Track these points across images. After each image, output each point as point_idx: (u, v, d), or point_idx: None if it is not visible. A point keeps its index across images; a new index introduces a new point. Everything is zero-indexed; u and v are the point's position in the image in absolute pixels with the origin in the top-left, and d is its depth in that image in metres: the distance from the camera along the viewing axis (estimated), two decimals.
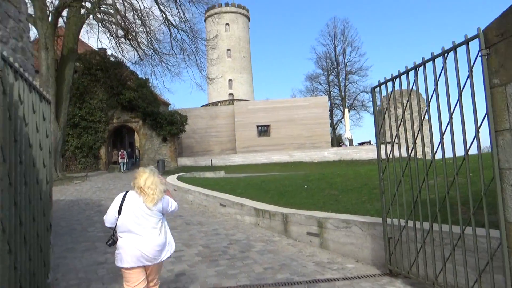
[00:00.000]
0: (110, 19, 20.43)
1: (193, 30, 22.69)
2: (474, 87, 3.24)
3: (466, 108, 3.40)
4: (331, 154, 32.36)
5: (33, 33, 19.93)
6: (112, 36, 21.30)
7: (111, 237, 3.32)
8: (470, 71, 3.25)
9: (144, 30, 21.02)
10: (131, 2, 20.52)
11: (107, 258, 6.02)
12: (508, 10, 2.88)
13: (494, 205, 4.18)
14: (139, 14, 20.47)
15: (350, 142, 40.62)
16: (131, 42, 21.26)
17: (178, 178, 16.63)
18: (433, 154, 3.74)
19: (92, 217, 9.97)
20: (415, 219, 4.08)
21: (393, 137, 4.51)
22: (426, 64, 3.85)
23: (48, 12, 19.15)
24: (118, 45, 22.18)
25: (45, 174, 4.03)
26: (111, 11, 19.49)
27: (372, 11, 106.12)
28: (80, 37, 21.64)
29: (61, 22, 21.24)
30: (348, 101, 49.65)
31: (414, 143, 4.08)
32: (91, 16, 20.17)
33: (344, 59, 50.65)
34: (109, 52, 28.40)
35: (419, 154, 4.33)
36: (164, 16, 21.64)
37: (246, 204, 8.80)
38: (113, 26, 20.33)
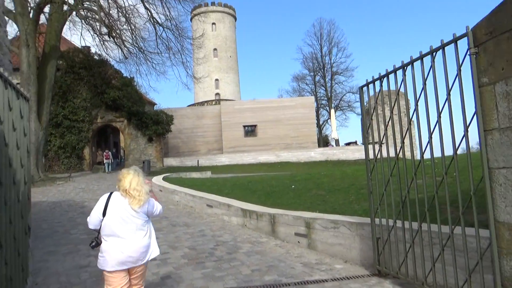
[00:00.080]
0: (93, 16, 20.03)
1: (179, 28, 22.45)
2: (462, 86, 3.22)
3: (455, 107, 3.39)
4: (317, 154, 32.49)
5: (13, 29, 19.45)
6: (95, 33, 20.90)
7: (95, 239, 3.24)
8: (459, 70, 3.24)
9: (129, 27, 20.69)
10: None
11: (90, 261, 5.84)
12: (497, 8, 2.86)
13: (483, 205, 4.21)
14: (124, 11, 20.13)
15: (337, 142, 40.91)
16: (115, 39, 20.89)
17: (164, 179, 16.42)
18: (422, 153, 3.72)
19: (75, 218, 9.73)
20: (404, 219, 4.05)
21: (381, 137, 4.48)
22: (414, 63, 3.82)
23: (29, 7, 18.66)
24: (102, 43, 21.77)
25: (23, 175, 3.87)
26: (95, 8, 19.10)
27: (358, 12, 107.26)
28: (62, 34, 21.16)
29: (43, 18, 20.76)
30: (334, 102, 49.99)
31: (402, 142, 4.05)
32: (74, 12, 19.73)
33: (330, 60, 51.04)
34: (93, 50, 27.92)
35: (407, 154, 4.32)
36: (149, 13, 21.35)
37: (233, 205, 8.70)
38: (97, 23, 19.94)
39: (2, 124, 3.10)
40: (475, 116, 3.08)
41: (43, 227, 8.87)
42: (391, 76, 4.22)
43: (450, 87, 3.32)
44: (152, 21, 21.45)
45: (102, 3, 19.57)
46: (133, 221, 3.19)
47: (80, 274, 5.34)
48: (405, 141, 4.06)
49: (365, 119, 4.99)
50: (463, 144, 3.36)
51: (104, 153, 27.03)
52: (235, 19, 59.48)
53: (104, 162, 26.23)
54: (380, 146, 4.44)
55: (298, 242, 6.33)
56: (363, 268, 4.95)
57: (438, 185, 3.45)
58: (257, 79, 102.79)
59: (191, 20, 51.62)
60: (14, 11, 17.67)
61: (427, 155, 3.80)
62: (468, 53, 3.12)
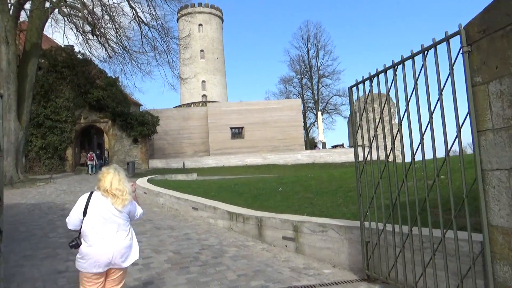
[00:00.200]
0: (76, 14, 19.57)
1: (165, 28, 22.14)
2: (455, 85, 3.14)
3: (447, 107, 3.30)
4: (304, 157, 32.52)
5: None
6: (79, 31, 20.43)
7: (75, 239, 3.09)
8: (451, 69, 3.16)
9: (113, 26, 20.28)
10: None
11: (68, 266, 5.59)
12: (490, 5, 2.79)
13: (476, 208, 4.14)
14: (108, 9, 19.72)
15: (323, 145, 41.04)
16: (99, 38, 20.46)
17: (148, 181, 16.11)
18: (413, 155, 3.63)
19: (54, 221, 9.40)
20: (394, 222, 3.96)
21: (371, 138, 4.39)
22: (406, 63, 3.74)
23: (9, 4, 18.11)
24: (85, 41, 21.31)
25: None
26: (78, 5, 18.66)
27: (344, 15, 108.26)
28: (44, 32, 20.62)
29: (24, 15, 20.19)
30: (321, 105, 50.21)
31: (393, 144, 3.96)
32: (56, 10, 19.24)
33: (317, 63, 51.27)
34: (76, 49, 27.33)
35: (397, 156, 4.23)
36: (134, 12, 20.99)
37: (219, 207, 8.52)
38: (80, 21, 19.48)
39: None
40: (468, 117, 3.00)
41: (20, 230, 8.52)
42: (382, 76, 4.13)
43: (442, 86, 3.24)
44: (137, 20, 21.11)
45: (85, 1, 19.16)
46: (115, 221, 3.09)
47: (57, 280, 5.10)
48: (395, 142, 3.97)
49: (354, 120, 4.90)
50: (455, 146, 3.29)
51: (88, 154, 26.48)
52: (222, 20, 59.30)
53: (88, 163, 25.69)
54: (370, 147, 4.35)
55: (286, 246, 6.20)
56: (352, 272, 4.85)
57: (430, 187, 3.36)
58: (244, 81, 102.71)
59: (177, 20, 51.24)
60: None
61: (418, 157, 3.71)
62: (461, 51, 3.05)
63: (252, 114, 35.17)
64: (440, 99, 3.26)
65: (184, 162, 29.68)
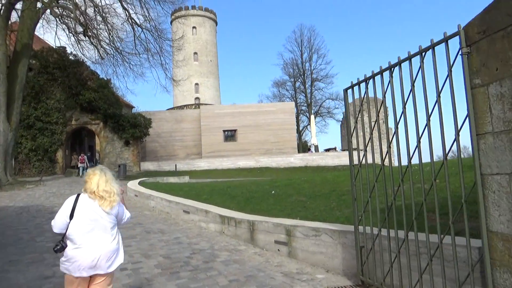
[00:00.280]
0: (68, 15, 19.32)
1: (158, 29, 21.96)
2: (453, 88, 3.07)
3: (445, 110, 3.23)
4: (297, 160, 32.47)
5: None
6: (71, 32, 20.17)
7: (60, 242, 2.98)
8: (450, 70, 3.08)
9: (106, 27, 20.07)
10: None
11: (55, 271, 5.42)
12: (490, 5, 2.73)
13: (474, 213, 4.07)
14: (100, 10, 19.49)
15: (316, 148, 41.07)
16: (91, 39, 20.22)
17: (140, 184, 15.91)
18: (409, 158, 3.55)
19: (42, 225, 9.18)
20: (389, 227, 3.87)
21: (367, 141, 4.30)
22: (402, 64, 3.67)
23: None
24: (77, 42, 21.04)
25: None
26: (70, 6, 18.42)
27: (338, 19, 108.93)
28: (36, 32, 20.34)
29: (15, 16, 19.89)
30: (314, 108, 50.30)
31: (389, 147, 3.88)
32: (48, 10, 18.99)
33: (311, 66, 51.42)
34: (68, 50, 27.05)
35: (390, 159, 4.14)
36: (127, 14, 20.79)
37: (211, 211, 8.38)
38: (72, 21, 19.23)
39: None
40: (467, 120, 2.92)
41: (7, 233, 8.31)
42: (378, 79, 4.05)
43: (440, 89, 3.16)
44: (130, 22, 20.90)
45: (77, 1, 18.93)
46: (103, 223, 3.00)
47: (43, 286, 4.94)
48: (391, 145, 3.89)
49: (349, 122, 4.81)
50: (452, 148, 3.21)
51: (80, 156, 26.17)
52: (216, 23, 59.25)
53: (79, 165, 25.37)
54: (365, 150, 4.27)
55: (278, 250, 6.08)
56: (346, 278, 4.75)
57: (427, 192, 3.28)
58: (238, 84, 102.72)
59: (171, 23, 51.10)
60: None
61: (414, 161, 3.64)
62: (460, 53, 2.98)
63: (245, 117, 35.08)
64: (438, 101, 3.19)
65: (176, 165, 29.44)
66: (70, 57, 26.52)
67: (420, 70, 3.41)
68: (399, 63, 3.69)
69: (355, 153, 4.64)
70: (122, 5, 20.38)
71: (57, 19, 19.66)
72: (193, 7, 55.19)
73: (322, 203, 7.63)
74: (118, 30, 20.94)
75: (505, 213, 2.58)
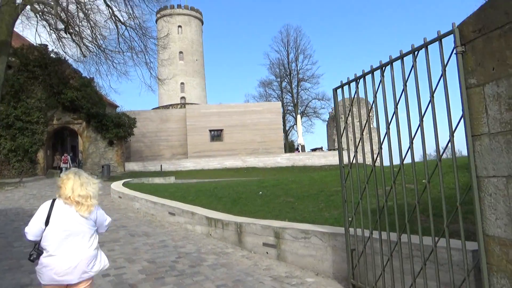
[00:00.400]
0: (49, 11, 18.78)
1: (142, 28, 21.57)
2: (448, 88, 2.99)
3: (438, 110, 3.15)
4: (284, 159, 32.46)
5: None
6: (52, 29, 19.61)
7: (35, 250, 2.83)
8: (444, 70, 3.01)
9: (88, 24, 19.59)
10: None
11: (32, 279, 5.17)
12: (487, 4, 2.65)
13: (469, 215, 4.02)
14: (83, 7, 19.01)
15: (302, 148, 41.15)
16: (72, 36, 19.71)
17: (124, 185, 15.59)
18: (401, 159, 3.47)
19: (21, 229, 8.78)
20: (381, 229, 3.78)
21: (357, 141, 4.21)
22: (394, 64, 3.58)
23: None
24: (58, 39, 20.50)
25: None
26: (51, 2, 17.89)
27: (325, 18, 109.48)
28: (15, 29, 19.70)
29: None
30: (300, 108, 50.42)
31: (380, 148, 3.79)
32: (28, 6, 18.41)
33: (297, 66, 51.52)
34: (50, 48, 26.35)
35: (382, 160, 4.06)
36: (110, 11, 20.35)
37: (197, 213, 8.21)
38: (53, 18, 18.68)
39: None
40: (461, 120, 2.84)
41: None
42: (368, 78, 3.96)
43: (434, 88, 3.08)
44: (113, 19, 20.46)
45: None
46: (81, 229, 2.87)
47: None
48: (382, 146, 3.81)
49: (339, 122, 4.72)
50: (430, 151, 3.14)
51: (63, 156, 25.62)
52: (202, 23, 58.80)
53: (62, 166, 24.83)
54: (356, 151, 4.17)
55: (267, 253, 5.96)
56: (336, 281, 4.65)
57: (421, 194, 3.20)
58: (224, 84, 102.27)
59: (156, 21, 50.46)
60: None
61: (405, 161, 3.55)
62: (454, 52, 2.90)
63: (231, 117, 34.89)
64: (431, 101, 3.11)
65: (161, 165, 29.05)
66: (52, 55, 25.85)
67: (413, 69, 3.33)
68: (390, 62, 3.60)
69: (345, 154, 4.55)
70: (105, 2, 19.95)
71: (37, 16, 19.09)
72: (179, 6, 54.64)
73: (310, 204, 7.54)
74: (101, 28, 20.48)
75: (502, 217, 2.51)
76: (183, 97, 52.30)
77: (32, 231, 2.84)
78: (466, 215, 4.02)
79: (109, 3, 20.07)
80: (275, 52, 70.81)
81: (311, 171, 25.83)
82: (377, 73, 3.85)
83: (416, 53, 3.29)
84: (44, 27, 19.84)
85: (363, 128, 4.13)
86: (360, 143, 4.12)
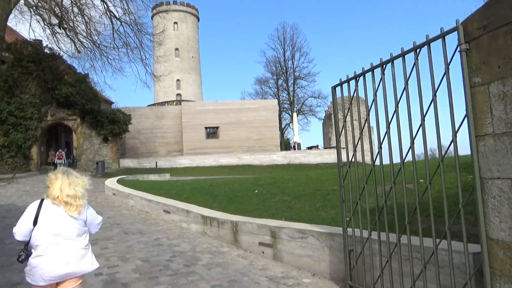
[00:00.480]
0: (43, 5, 18.51)
1: (138, 23, 21.35)
2: (451, 86, 2.92)
3: (440, 110, 3.07)
4: (280, 157, 32.39)
5: None
6: (45, 24, 19.35)
7: (24, 251, 2.80)
8: (447, 68, 2.93)
9: (83, 20, 19.35)
10: None
11: (23, 277, 4.95)
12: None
13: (470, 217, 3.96)
14: (77, 2, 18.76)
15: (298, 146, 41.13)
16: (67, 31, 19.46)
17: (118, 181, 15.45)
18: (402, 160, 3.40)
19: (13, 226, 8.67)
20: (380, 230, 3.71)
21: (356, 140, 4.14)
22: (395, 62, 3.50)
23: None
24: (53, 34, 20.24)
25: None
26: None
27: (322, 16, 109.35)
28: (10, 25, 19.44)
29: None
30: (296, 106, 50.38)
31: (380, 147, 3.72)
32: (21, 1, 18.14)
33: (293, 64, 51.44)
34: (44, 44, 26.05)
35: (382, 160, 3.98)
36: (105, 6, 20.12)
37: (193, 211, 8.12)
38: (47, 12, 18.42)
39: None
40: (465, 120, 2.77)
41: None
42: (368, 76, 3.88)
43: (436, 87, 3.01)
44: (108, 15, 20.24)
45: None
46: (70, 230, 2.84)
47: None
48: (382, 146, 3.73)
49: (337, 121, 4.64)
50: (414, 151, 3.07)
51: (57, 152, 25.44)
52: (198, 19, 58.49)
53: (57, 162, 24.65)
54: (355, 150, 4.10)
55: (263, 252, 5.88)
56: (333, 282, 4.59)
57: (421, 195, 3.13)
58: (220, 81, 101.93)
59: (152, 18, 50.09)
60: None
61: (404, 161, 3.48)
62: (458, 49, 2.82)
63: (227, 114, 34.75)
64: (434, 100, 3.03)
65: (156, 162, 28.87)
66: (46, 50, 25.56)
67: (415, 67, 3.25)
68: (391, 60, 3.52)
69: (343, 153, 4.47)
70: None
71: (31, 10, 18.83)
72: (175, 2, 54.30)
73: (307, 203, 7.48)
74: (95, 23, 20.24)
75: (507, 220, 2.44)
76: (179, 94, 52.07)
77: (20, 231, 2.81)
78: (465, 216, 3.96)
79: None
80: (271, 49, 70.83)
81: (307, 169, 25.80)
82: (377, 72, 3.77)
83: (418, 50, 3.22)
84: (38, 22, 19.60)
85: (362, 127, 4.06)
86: (359, 142, 4.05)
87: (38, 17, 19.28)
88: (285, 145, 46.30)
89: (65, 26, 19.08)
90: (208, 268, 5.43)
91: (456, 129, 2.85)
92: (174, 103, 41.12)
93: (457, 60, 2.86)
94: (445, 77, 2.95)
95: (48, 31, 20.14)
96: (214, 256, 6.07)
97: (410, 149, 3.29)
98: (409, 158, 3.47)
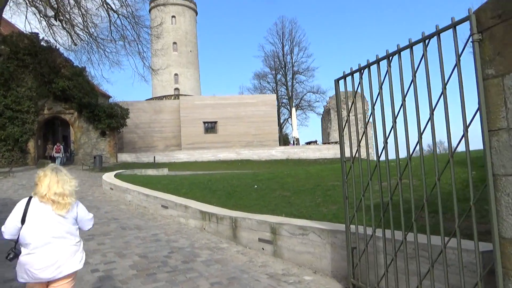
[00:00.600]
0: None
1: (135, 16, 21.08)
2: (462, 79, 2.79)
3: (449, 104, 2.95)
4: (278, 152, 32.27)
5: None
6: (41, 16, 19.06)
7: (12, 250, 2.78)
8: (458, 60, 2.80)
9: (79, 12, 19.07)
10: None
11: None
12: None
13: (481, 215, 3.85)
14: None
15: (297, 141, 41.02)
16: (63, 24, 19.18)
17: (116, 176, 15.32)
18: (409, 155, 3.28)
19: None
20: (385, 227, 3.61)
21: (359, 135, 4.02)
22: (402, 53, 3.37)
23: None
24: (49, 27, 19.95)
25: None
26: None
27: (321, 9, 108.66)
28: (5, 17, 19.14)
29: None
30: (295, 101, 50.14)
31: (386, 142, 3.60)
32: None
33: (292, 59, 51.07)
34: (40, 37, 25.72)
35: (387, 155, 3.87)
36: None
37: (191, 206, 8.01)
38: (42, 4, 18.15)
39: None
40: (477, 114, 2.65)
41: None
42: (373, 68, 3.75)
43: (446, 80, 2.89)
44: (105, 7, 19.96)
45: None
46: (59, 228, 2.80)
47: None
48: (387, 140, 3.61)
49: (340, 115, 4.51)
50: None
51: (55, 146, 25.26)
52: (196, 13, 57.98)
53: (55, 155, 24.50)
54: (359, 145, 3.98)
55: (263, 248, 5.79)
56: (335, 280, 4.49)
57: (430, 191, 3.02)
58: (218, 75, 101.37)
59: (149, 11, 49.68)
60: None
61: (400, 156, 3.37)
62: (470, 40, 2.69)
63: (225, 109, 34.54)
64: (443, 93, 2.91)
65: (154, 157, 28.72)
66: (42, 43, 25.25)
67: (423, 59, 3.12)
68: (398, 52, 3.39)
69: (347, 148, 4.35)
70: None
71: (27, 2, 18.54)
72: None
73: (307, 199, 7.37)
74: (92, 16, 19.97)
75: None
76: (177, 88, 51.71)
77: (8, 230, 2.77)
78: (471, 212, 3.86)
79: None
80: (270, 44, 69.99)
81: (306, 164, 25.71)
82: (383, 64, 3.64)
83: (427, 41, 3.09)
84: (34, 14, 19.30)
85: (366, 121, 3.94)
86: (364, 137, 3.93)
87: (34, 8, 18.99)
88: (284, 140, 46.16)
89: (61, 18, 18.82)
90: (207, 265, 5.33)
91: (468, 123, 2.73)
92: (172, 98, 40.82)
93: (467, 52, 2.73)
94: (455, 69, 2.83)
95: (44, 23, 19.92)
96: (213, 253, 5.97)
97: (418, 144, 3.17)
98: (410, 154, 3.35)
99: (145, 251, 6.16)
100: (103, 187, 14.32)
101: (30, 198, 2.84)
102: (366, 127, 3.94)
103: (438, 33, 2.98)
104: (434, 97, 3.03)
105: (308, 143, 37.84)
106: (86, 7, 20.01)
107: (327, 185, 8.35)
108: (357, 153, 4.03)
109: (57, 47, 25.04)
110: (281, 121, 50.31)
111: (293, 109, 40.84)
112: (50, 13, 19.05)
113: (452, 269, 3.01)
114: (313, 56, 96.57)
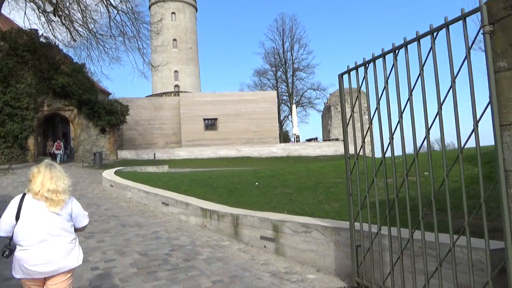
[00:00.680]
0: None
1: (135, 12, 20.94)
2: (472, 72, 2.71)
3: (458, 98, 2.87)
4: (279, 149, 32.19)
5: None
6: (40, 12, 18.94)
7: (7, 247, 2.79)
8: (468, 52, 2.72)
9: (79, 8, 18.94)
10: None
11: None
12: None
13: (491, 212, 3.78)
14: None
15: (297, 138, 40.93)
16: (62, 19, 19.06)
17: (116, 173, 15.24)
18: (416, 151, 3.20)
19: None
20: (390, 225, 3.53)
21: (364, 131, 3.94)
22: (409, 47, 3.28)
23: None
24: (48, 23, 19.82)
25: None
26: None
27: (319, 8, 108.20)
28: (4, 13, 19.01)
29: None
30: (295, 98, 50.01)
31: (392, 138, 3.52)
32: None
33: (292, 56, 50.87)
34: (40, 33, 25.58)
35: (393, 151, 3.79)
36: None
37: (192, 203, 7.94)
38: (41, 0, 18.03)
39: None
40: (488, 108, 2.57)
41: None
42: (379, 62, 3.66)
43: (456, 73, 2.80)
44: (105, 3, 19.81)
45: None
46: (54, 225, 2.77)
47: None
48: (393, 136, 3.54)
49: (344, 110, 4.43)
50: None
51: (56, 143, 25.20)
52: (196, 10, 57.75)
53: (56, 152, 24.46)
54: (363, 141, 3.90)
55: (265, 246, 5.72)
56: (339, 278, 4.42)
57: (438, 188, 2.94)
58: (218, 72, 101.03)
59: (149, 7, 49.46)
60: None
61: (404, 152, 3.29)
62: (481, 31, 2.61)
63: (226, 106, 34.44)
64: (452, 87, 2.83)
65: (155, 154, 28.65)
66: (41, 39, 25.12)
67: (431, 53, 3.04)
68: (405, 45, 3.31)
69: (351, 145, 4.27)
70: None
71: None
72: None
73: (309, 196, 7.30)
74: (91, 11, 19.83)
75: None
76: (177, 85, 51.56)
77: (2, 227, 2.75)
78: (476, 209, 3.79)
79: None
80: (270, 41, 69.67)
81: (306, 161, 25.65)
82: (389, 58, 3.56)
83: (435, 34, 3.01)
84: (33, 10, 19.17)
85: (371, 117, 3.86)
86: (369, 133, 3.85)
87: (32, 4, 18.86)
88: (284, 137, 46.06)
89: (60, 13, 18.68)
90: (208, 263, 5.26)
91: (478, 118, 2.65)
92: (172, 94, 40.71)
93: (474, 47, 2.64)
94: (465, 62, 2.75)
95: (43, 19, 19.81)
96: (215, 250, 5.91)
97: (426, 140, 3.10)
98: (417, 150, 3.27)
99: (146, 248, 6.09)
100: (103, 184, 14.25)
101: (24, 195, 2.82)
102: (371, 123, 3.86)
103: (447, 25, 2.89)
104: (442, 92, 2.95)
105: (309, 140, 37.73)
106: (86, 2, 19.92)
107: (328, 182, 8.27)
108: (361, 149, 3.95)
109: (57, 43, 24.93)
110: (282, 118, 50.20)
111: (294, 106, 40.71)
112: (49, 8, 18.92)
113: (459, 267, 2.94)
114: (314, 53, 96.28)
